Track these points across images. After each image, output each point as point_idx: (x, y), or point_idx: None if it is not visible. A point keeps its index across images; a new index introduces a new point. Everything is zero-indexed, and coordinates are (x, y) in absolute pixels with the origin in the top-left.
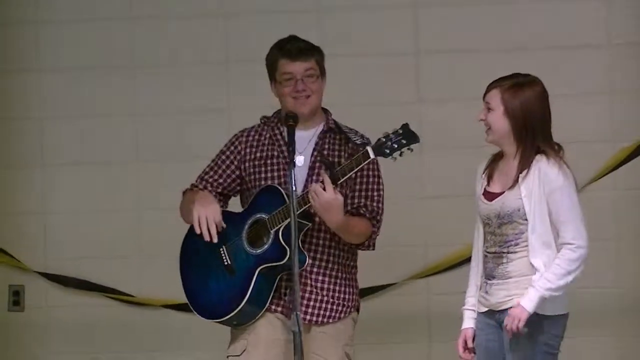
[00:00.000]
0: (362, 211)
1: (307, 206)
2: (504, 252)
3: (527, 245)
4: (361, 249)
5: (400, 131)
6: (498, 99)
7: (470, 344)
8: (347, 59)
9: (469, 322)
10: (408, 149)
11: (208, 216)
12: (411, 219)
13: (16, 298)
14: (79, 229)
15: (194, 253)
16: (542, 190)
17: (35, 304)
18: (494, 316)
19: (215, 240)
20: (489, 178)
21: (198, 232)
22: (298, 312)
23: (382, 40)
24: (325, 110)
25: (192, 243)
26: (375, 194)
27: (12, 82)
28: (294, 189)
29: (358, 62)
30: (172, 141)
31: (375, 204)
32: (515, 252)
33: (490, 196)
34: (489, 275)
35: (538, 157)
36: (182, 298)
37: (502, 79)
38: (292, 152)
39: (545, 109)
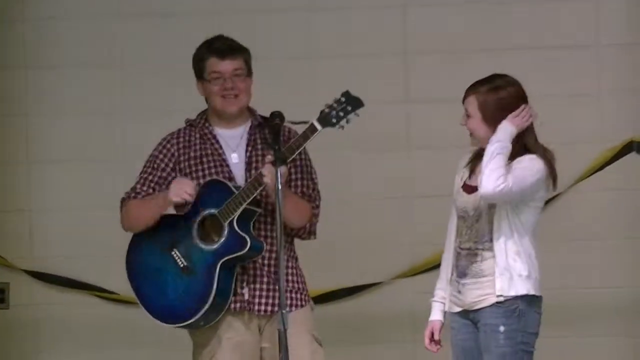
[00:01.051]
0: (299, 194)
1: (261, 188)
2: (478, 249)
3: None
4: (303, 236)
5: (343, 99)
6: (475, 105)
7: (437, 337)
8: (336, 58)
9: (436, 314)
10: (355, 114)
11: (178, 188)
12: (398, 218)
13: (1, 295)
14: (65, 226)
15: (143, 263)
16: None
17: (21, 302)
18: (468, 316)
19: (193, 198)
20: (471, 172)
21: (182, 201)
22: (283, 311)
23: (371, 40)
24: (250, 109)
25: (138, 256)
26: (310, 181)
27: None
28: (279, 187)
29: (347, 63)
30: (158, 139)
31: (311, 191)
32: (490, 250)
33: (470, 189)
34: (461, 274)
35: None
36: None
37: (479, 83)
38: (278, 150)
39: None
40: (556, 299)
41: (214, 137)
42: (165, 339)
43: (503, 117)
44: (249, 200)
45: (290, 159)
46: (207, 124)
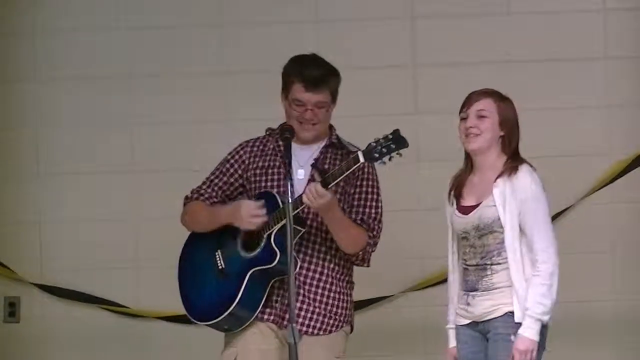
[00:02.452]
0: (358, 222)
1: (302, 207)
2: (487, 264)
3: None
4: (356, 262)
5: (390, 136)
6: (494, 107)
7: None
8: (345, 70)
9: (454, 341)
10: (397, 153)
11: (250, 207)
12: (408, 230)
13: (12, 309)
14: (75, 240)
15: (191, 260)
16: (514, 197)
17: (31, 316)
18: (477, 327)
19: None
20: (459, 196)
21: (255, 227)
22: (294, 324)
23: (379, 52)
24: (330, 126)
25: (189, 251)
26: (373, 210)
27: (8, 92)
28: (289, 201)
29: (355, 74)
30: (169, 151)
31: (371, 220)
32: (500, 264)
33: (466, 210)
34: (470, 288)
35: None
36: (178, 310)
37: (488, 91)
38: (288, 165)
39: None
40: (566, 312)
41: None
42: (176, 352)
43: (513, 126)
44: (289, 217)
45: (332, 184)
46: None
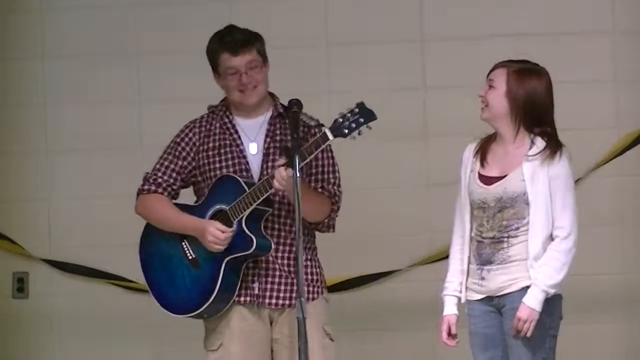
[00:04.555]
0: (319, 190)
1: (271, 191)
2: (504, 237)
3: (527, 230)
4: (321, 229)
5: (357, 110)
6: (503, 78)
7: (454, 330)
8: (351, 46)
9: (451, 308)
10: (367, 127)
11: (216, 235)
12: (416, 205)
13: (20, 285)
14: (83, 215)
15: (155, 252)
16: (545, 174)
17: (40, 291)
18: (491, 302)
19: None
20: (482, 161)
21: (221, 249)
22: (302, 298)
23: (387, 27)
24: (272, 95)
25: (150, 243)
26: (332, 176)
27: (14, 68)
28: (297, 175)
29: (362, 49)
30: (176, 127)
31: (332, 186)
32: (517, 237)
33: (487, 180)
34: (485, 261)
35: (539, 140)
36: None
37: (512, 61)
38: (296, 140)
39: (550, 99)
40: (574, 285)
41: (233, 126)
42: (183, 326)
43: (525, 101)
44: (258, 202)
45: (302, 164)
46: (227, 113)
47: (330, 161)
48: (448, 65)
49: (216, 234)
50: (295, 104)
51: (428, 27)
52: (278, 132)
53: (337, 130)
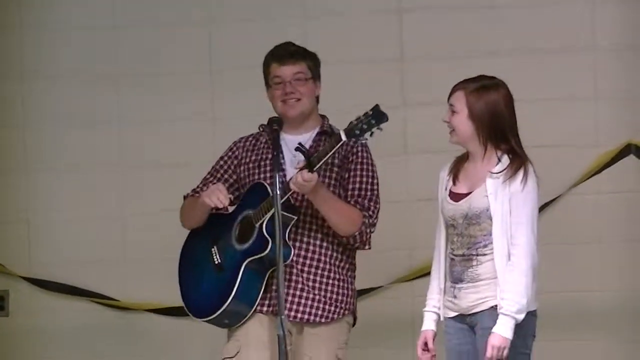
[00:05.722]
0: (352, 203)
1: (289, 193)
2: (472, 255)
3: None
4: (355, 245)
5: (371, 112)
6: (463, 101)
7: (430, 345)
8: (332, 65)
9: (429, 324)
10: (378, 128)
11: (212, 191)
12: (396, 222)
13: (1, 303)
14: (63, 233)
15: (190, 257)
16: (507, 190)
17: (20, 309)
18: (464, 320)
19: (226, 204)
20: (454, 179)
21: (212, 205)
22: (283, 316)
23: (367, 45)
24: (322, 116)
25: (189, 248)
26: (367, 188)
27: None
28: (277, 192)
29: (342, 68)
30: (156, 147)
31: (366, 200)
32: (485, 255)
33: (456, 197)
34: (456, 279)
35: (505, 158)
36: (167, 302)
37: (467, 81)
38: (277, 156)
39: (512, 112)
40: (553, 302)
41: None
42: (164, 345)
43: (489, 117)
44: (278, 205)
45: (317, 166)
46: (275, 127)
47: (370, 174)
48: (427, 83)
49: (218, 186)
50: (276, 121)
51: (407, 46)
52: (320, 149)
53: (350, 132)
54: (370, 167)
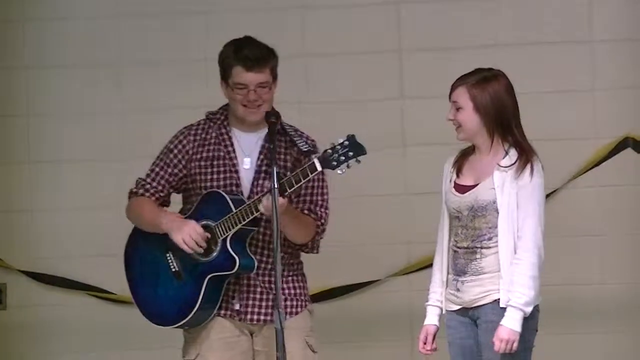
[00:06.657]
0: (306, 212)
1: (256, 214)
2: (477, 247)
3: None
4: (305, 250)
5: (347, 142)
6: (466, 96)
7: (430, 340)
8: (330, 57)
9: (432, 319)
10: (356, 160)
11: (192, 235)
12: (394, 215)
13: None
14: (62, 227)
15: (140, 260)
16: (514, 184)
17: (18, 303)
18: (467, 313)
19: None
20: (458, 171)
21: (190, 251)
22: (280, 309)
23: (365, 37)
24: (275, 112)
25: (136, 250)
26: (320, 198)
27: None
28: (275, 186)
29: (341, 61)
30: (156, 139)
31: (319, 208)
32: (489, 247)
33: (462, 189)
34: (460, 272)
35: (513, 151)
36: None
37: (466, 76)
38: (273, 151)
39: (514, 102)
40: (553, 296)
41: (230, 138)
42: (162, 339)
43: (494, 108)
44: (244, 223)
45: (289, 192)
46: (225, 123)
47: (320, 183)
48: (425, 76)
49: (197, 230)
50: (273, 114)
51: (405, 38)
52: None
53: (326, 162)
54: (322, 174)
